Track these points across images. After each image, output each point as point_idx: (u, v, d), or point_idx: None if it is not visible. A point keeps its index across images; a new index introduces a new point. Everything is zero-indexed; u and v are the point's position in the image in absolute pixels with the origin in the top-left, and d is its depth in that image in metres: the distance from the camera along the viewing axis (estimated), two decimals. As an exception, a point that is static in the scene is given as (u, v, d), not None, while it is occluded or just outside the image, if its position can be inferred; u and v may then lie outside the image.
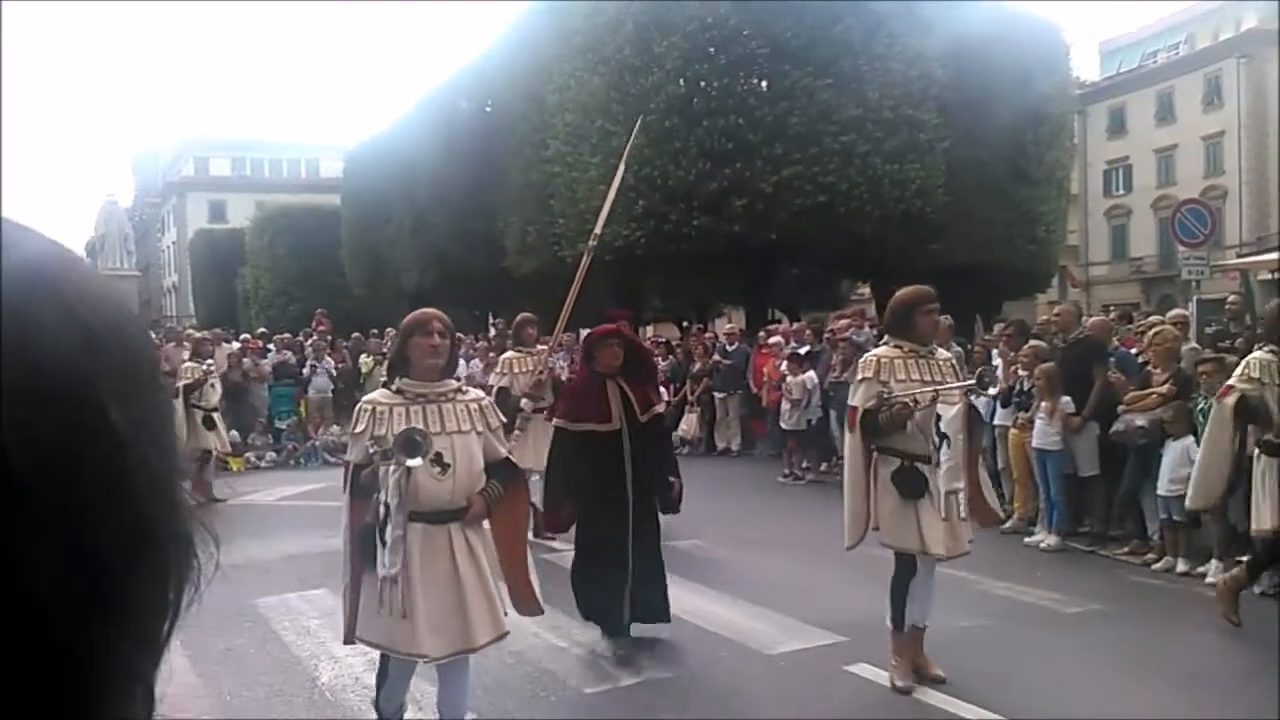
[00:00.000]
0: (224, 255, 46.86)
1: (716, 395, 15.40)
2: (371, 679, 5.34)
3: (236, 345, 17.50)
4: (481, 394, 4.37)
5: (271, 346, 17.78)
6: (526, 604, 4.37)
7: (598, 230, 7.09)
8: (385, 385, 4.20)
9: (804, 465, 12.97)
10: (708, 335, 17.72)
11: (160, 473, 0.49)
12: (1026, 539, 9.02)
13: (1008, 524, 9.68)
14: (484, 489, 4.08)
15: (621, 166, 6.87)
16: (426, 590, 3.92)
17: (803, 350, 13.60)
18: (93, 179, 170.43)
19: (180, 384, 11.72)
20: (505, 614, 4.17)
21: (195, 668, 5.66)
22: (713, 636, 6.10)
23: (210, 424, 11.89)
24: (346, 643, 4.27)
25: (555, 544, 8.79)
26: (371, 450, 3.85)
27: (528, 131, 21.72)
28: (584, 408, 5.97)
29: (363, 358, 17.17)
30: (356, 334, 18.66)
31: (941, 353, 5.54)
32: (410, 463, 3.69)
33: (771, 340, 14.73)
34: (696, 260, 19.11)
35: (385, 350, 17.22)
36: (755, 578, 6.50)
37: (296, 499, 12.32)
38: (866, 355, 5.67)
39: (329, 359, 17.16)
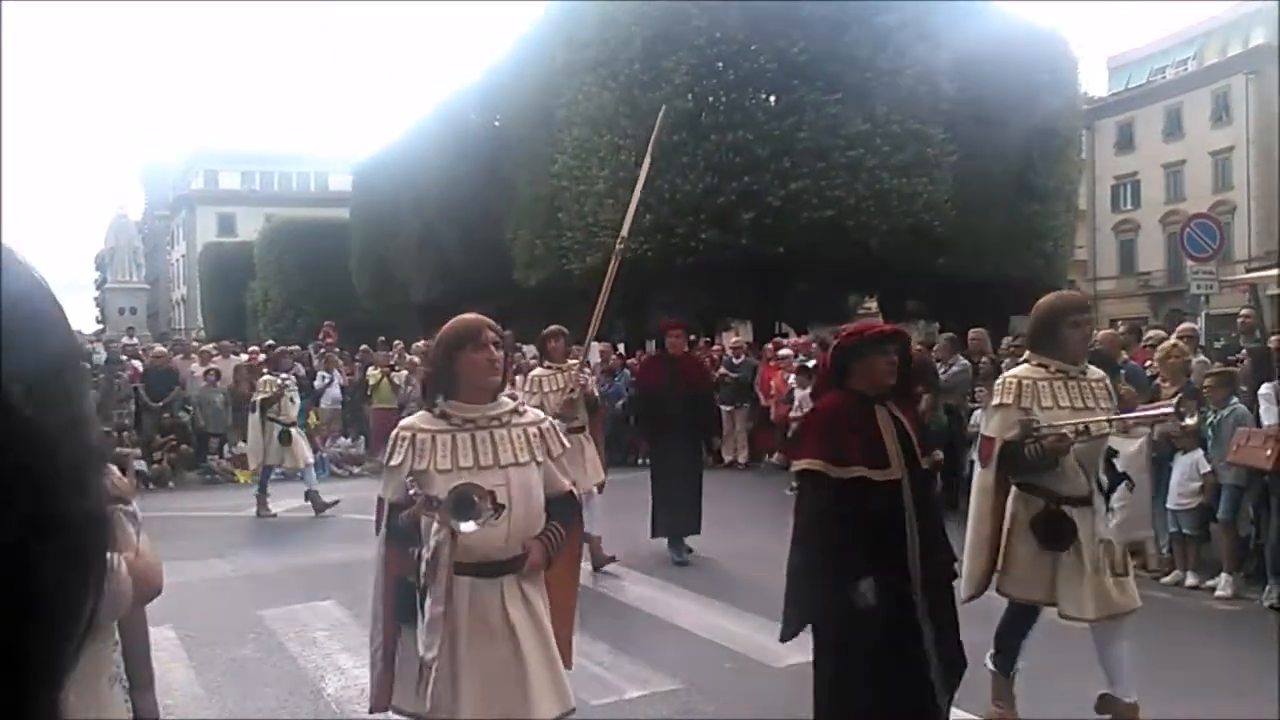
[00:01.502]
0: (233, 268, 47.10)
1: (724, 408, 15.39)
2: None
3: (244, 358, 17.53)
4: (540, 413, 3.56)
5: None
6: (562, 658, 3.50)
7: (624, 233, 6.71)
8: (425, 407, 3.45)
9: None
10: (715, 348, 17.70)
11: (74, 460, 0.51)
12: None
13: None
14: (544, 532, 3.34)
15: (647, 160, 6.61)
16: (475, 666, 3.20)
17: (810, 363, 13.59)
18: (103, 192, 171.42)
19: (258, 398, 11.66)
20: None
21: (200, 678, 5.66)
22: (719, 649, 6.07)
23: (286, 438, 11.48)
24: (375, 712, 3.57)
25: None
26: (412, 491, 3.15)
27: (536, 145, 21.79)
28: (850, 444, 3.82)
29: (370, 370, 17.18)
30: (365, 346, 18.69)
31: (1094, 372, 4.57)
32: (464, 528, 3.01)
33: (781, 353, 14.74)
34: (704, 273, 19.14)
35: (393, 362, 17.31)
36: (762, 590, 6.45)
37: (303, 510, 12.31)
38: (1005, 376, 4.67)
39: (338, 371, 17.19)
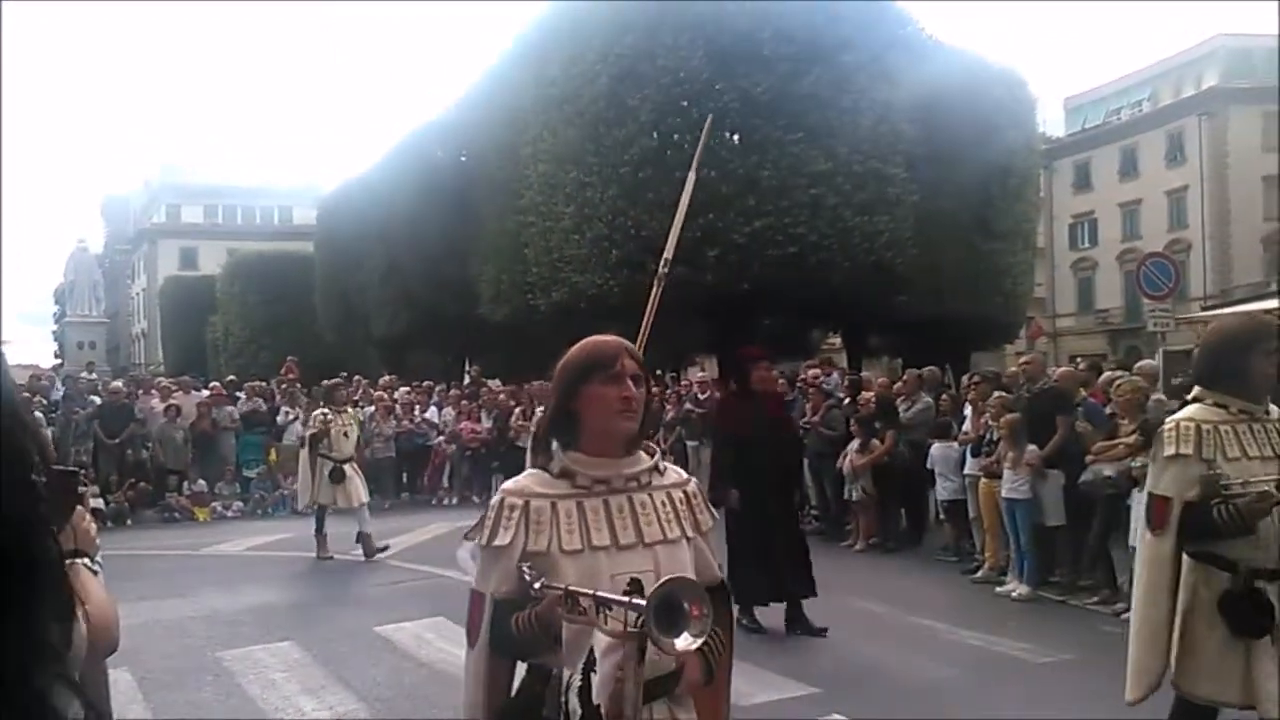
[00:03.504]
0: (194, 302, 46.69)
1: (689, 444, 15.41)
2: (338, 733, 5.28)
3: (206, 394, 17.36)
4: (682, 472, 2.58)
5: (241, 394, 17.65)
6: None
7: (668, 254, 6.24)
8: (538, 464, 2.50)
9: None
10: (681, 384, 17.75)
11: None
12: (998, 589, 9.04)
13: (979, 574, 9.73)
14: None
15: (692, 175, 6.12)
16: None
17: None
18: (63, 225, 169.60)
19: (307, 433, 11.28)
20: None
21: (157, 722, 5.56)
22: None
23: (339, 476, 10.87)
24: None
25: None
26: (538, 585, 2.17)
27: (502, 181, 21.85)
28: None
29: (333, 406, 17.04)
30: (326, 381, 18.52)
31: (1276, 410, 3.76)
32: (679, 644, 1.95)
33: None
34: (670, 309, 19.16)
35: (357, 399, 17.17)
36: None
37: (264, 549, 12.18)
38: (1177, 421, 3.74)
39: (299, 408, 17.06)
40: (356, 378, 18.85)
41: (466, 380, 20.53)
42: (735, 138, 18.82)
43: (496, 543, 2.32)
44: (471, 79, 25.76)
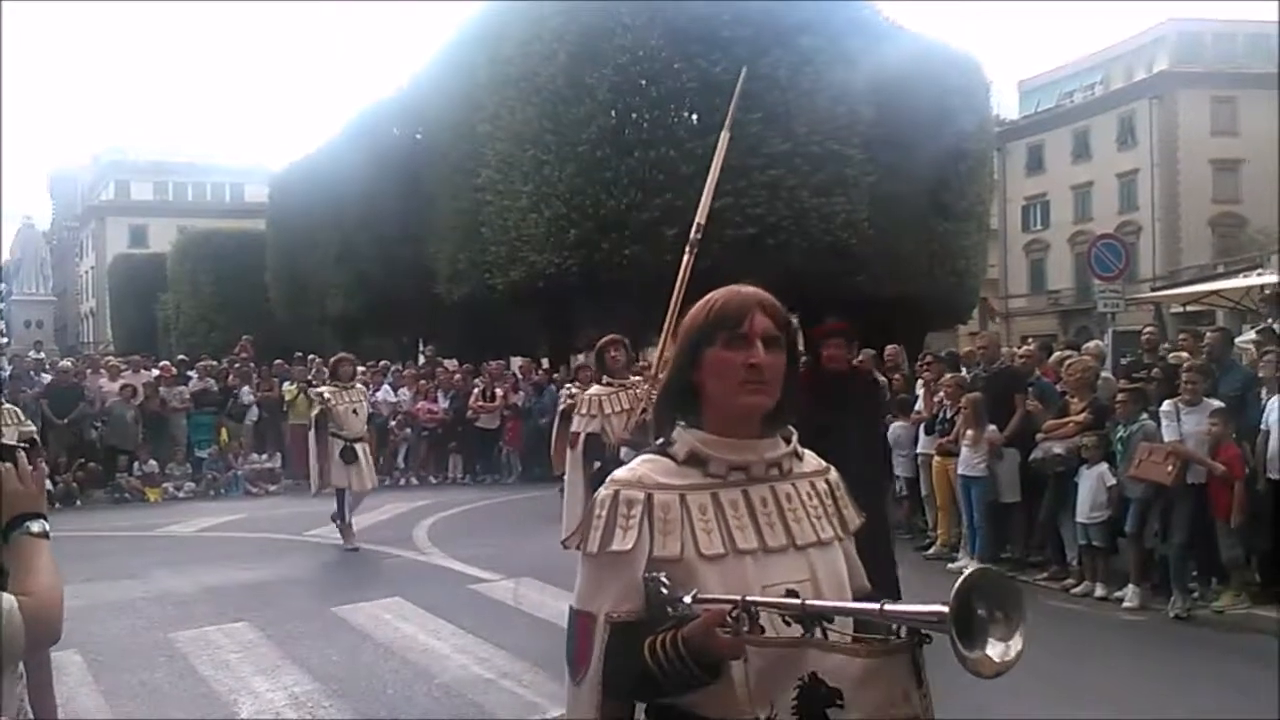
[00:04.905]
0: (144, 281, 45.97)
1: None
2: (292, 715, 5.25)
3: (156, 373, 17.09)
4: (818, 459, 2.05)
5: (192, 374, 17.41)
6: None
7: (701, 219, 5.75)
8: (656, 448, 1.91)
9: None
10: (641, 364, 17.73)
11: None
12: (949, 565, 9.16)
13: (931, 550, 9.87)
14: None
15: (725, 133, 5.76)
16: None
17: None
18: (8, 201, 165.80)
19: (312, 413, 10.75)
20: None
21: (109, 703, 5.50)
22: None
23: (350, 455, 10.12)
24: None
25: (485, 575, 8.75)
26: (687, 601, 1.69)
27: (459, 159, 21.68)
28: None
29: (286, 385, 16.88)
30: (279, 360, 18.34)
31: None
32: (994, 655, 1.53)
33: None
34: (628, 289, 19.19)
35: (311, 378, 16.98)
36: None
37: (216, 530, 12.05)
38: None
39: (249, 387, 16.89)
40: (311, 357, 18.65)
41: (421, 360, 20.40)
42: (694, 117, 18.82)
43: (614, 548, 1.77)
44: (427, 56, 25.53)
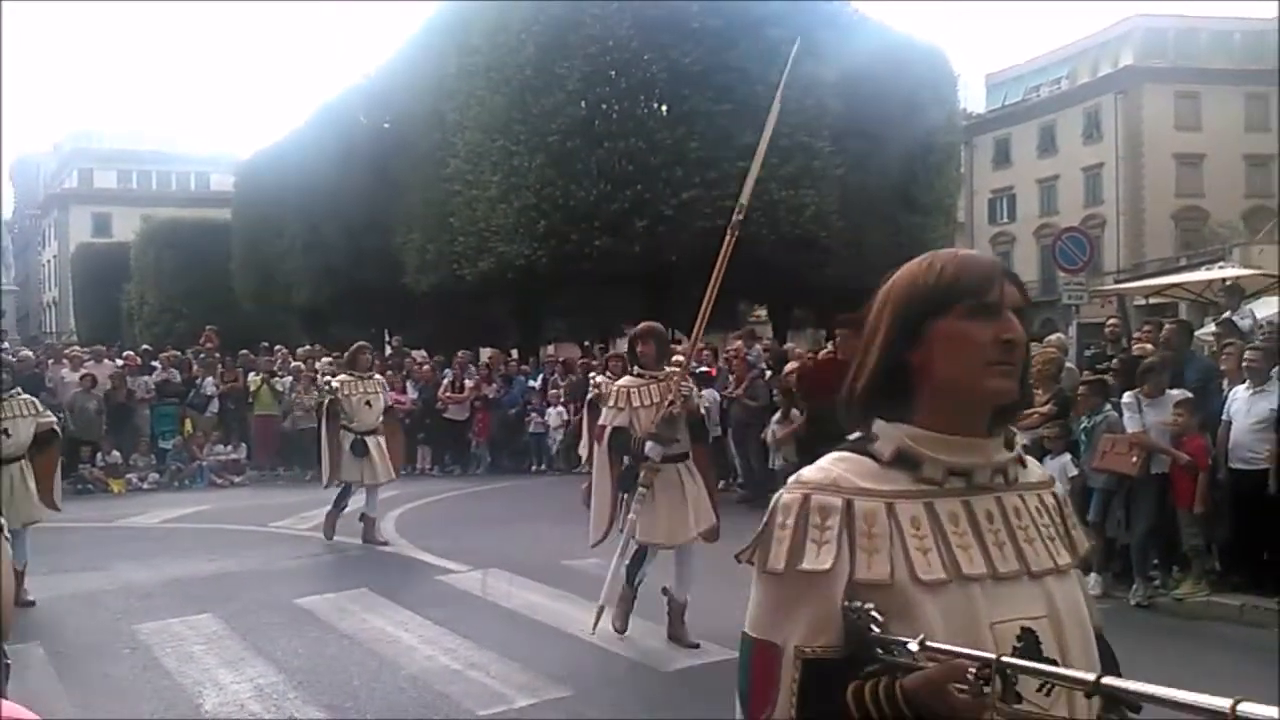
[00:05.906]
0: (107, 270, 45.39)
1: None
2: (258, 707, 5.22)
3: (120, 363, 16.89)
4: (1043, 469, 1.68)
5: (156, 364, 17.22)
6: None
7: (744, 200, 5.64)
8: (851, 445, 1.55)
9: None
10: (609, 355, 17.73)
11: None
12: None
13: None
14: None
15: (776, 104, 5.59)
16: None
17: (699, 370, 13.75)
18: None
19: (321, 403, 10.40)
20: None
21: (71, 695, 5.45)
22: (609, 654, 6.09)
23: (361, 448, 9.72)
24: None
25: (453, 566, 8.71)
26: (913, 648, 1.29)
27: (428, 149, 21.56)
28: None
29: (250, 376, 16.74)
30: (244, 350, 18.17)
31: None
32: None
33: (675, 358, 14.86)
34: (598, 280, 19.19)
35: (275, 369, 16.86)
36: (651, 595, 6.52)
37: (180, 521, 11.95)
38: None
39: (211, 377, 16.72)
40: (278, 347, 18.51)
41: (388, 351, 20.29)
42: (663, 108, 18.83)
43: (805, 566, 1.40)
44: (395, 45, 25.36)
